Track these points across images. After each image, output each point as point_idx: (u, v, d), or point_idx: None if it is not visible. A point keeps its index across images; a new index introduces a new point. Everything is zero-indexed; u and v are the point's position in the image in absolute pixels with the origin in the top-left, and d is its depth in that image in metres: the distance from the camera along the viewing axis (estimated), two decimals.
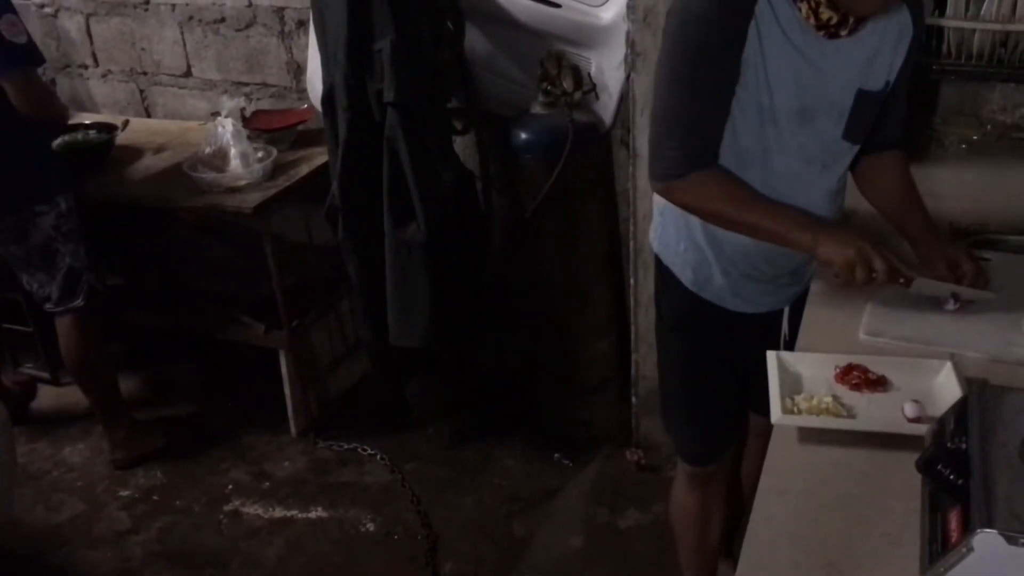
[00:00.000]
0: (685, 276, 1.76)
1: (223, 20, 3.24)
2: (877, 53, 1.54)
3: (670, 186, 1.59)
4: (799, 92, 1.52)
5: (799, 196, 1.60)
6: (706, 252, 1.71)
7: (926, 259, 1.60)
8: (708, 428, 1.97)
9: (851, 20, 1.48)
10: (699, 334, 1.83)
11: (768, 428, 1.40)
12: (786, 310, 1.79)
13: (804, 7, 1.47)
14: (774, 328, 1.79)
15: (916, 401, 1.33)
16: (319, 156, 2.89)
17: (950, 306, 1.56)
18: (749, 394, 1.91)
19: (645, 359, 2.66)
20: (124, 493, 2.90)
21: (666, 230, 1.78)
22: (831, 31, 1.48)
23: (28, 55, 2.49)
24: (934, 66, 2.07)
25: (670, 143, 1.54)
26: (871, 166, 1.70)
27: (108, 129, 3.16)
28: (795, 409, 1.37)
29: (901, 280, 1.49)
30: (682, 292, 1.77)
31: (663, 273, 1.82)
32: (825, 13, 1.46)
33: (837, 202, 1.70)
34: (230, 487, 2.90)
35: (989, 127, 2.24)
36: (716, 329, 1.79)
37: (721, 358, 1.85)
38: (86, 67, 3.62)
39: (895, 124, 1.69)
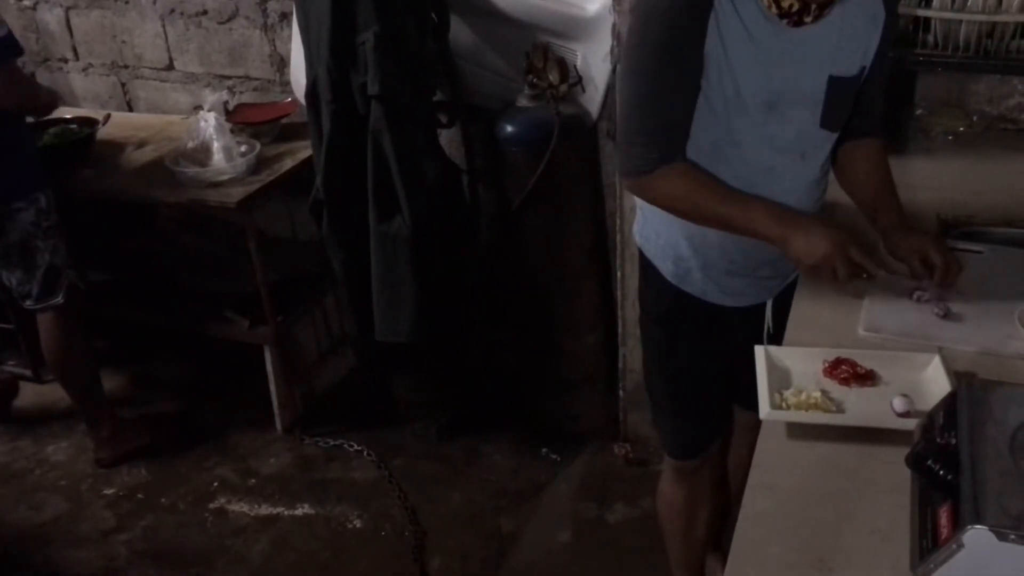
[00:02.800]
0: (666, 269, 1.75)
1: (205, 12, 3.20)
2: (847, 38, 1.52)
3: (639, 182, 1.59)
4: (765, 83, 1.50)
5: (777, 187, 1.59)
6: (684, 246, 1.70)
7: (896, 252, 1.58)
8: (692, 422, 1.96)
9: (813, 7, 1.46)
10: (681, 327, 1.82)
11: (754, 422, 1.40)
12: (769, 303, 1.78)
13: None
14: (757, 322, 1.78)
15: (905, 396, 1.32)
16: (303, 150, 2.86)
17: (933, 305, 1.55)
18: (734, 388, 1.90)
19: (632, 353, 2.66)
20: (108, 491, 2.88)
21: (647, 223, 1.77)
22: (795, 19, 1.47)
23: (9, 47, 2.46)
24: (920, 57, 2.06)
25: (636, 139, 1.54)
26: (847, 154, 1.69)
27: (89, 123, 3.12)
28: (784, 404, 1.36)
29: (864, 276, 1.49)
30: (664, 285, 1.76)
31: (645, 266, 1.82)
32: (786, 1, 1.45)
33: (818, 192, 1.68)
34: (215, 484, 2.88)
35: (975, 118, 2.24)
36: (698, 322, 1.78)
37: (704, 351, 1.84)
38: (66, 61, 3.58)
39: (872, 111, 1.67)
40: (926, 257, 1.54)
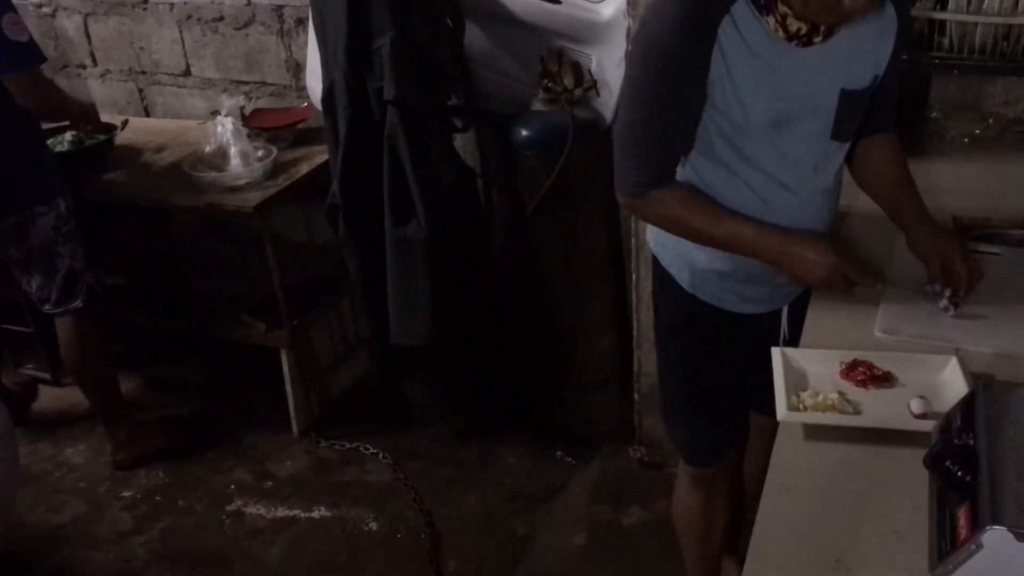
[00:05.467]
0: (682, 278, 1.75)
1: (222, 19, 3.23)
2: (858, 51, 1.52)
3: (632, 203, 1.61)
4: (775, 103, 1.50)
5: (791, 199, 1.59)
6: (700, 256, 1.70)
7: (918, 251, 1.59)
8: (708, 430, 1.95)
9: (823, 27, 1.46)
10: (697, 335, 1.82)
11: (770, 427, 1.40)
12: (785, 309, 1.78)
13: (771, 21, 1.45)
14: (773, 328, 1.77)
15: (922, 397, 1.33)
16: (319, 155, 2.88)
17: (949, 312, 1.55)
18: (749, 393, 1.90)
19: (647, 356, 2.66)
20: (126, 494, 2.90)
21: (662, 232, 1.77)
22: (804, 40, 1.46)
23: (31, 54, 2.48)
24: (936, 60, 2.06)
25: (631, 162, 1.56)
26: (863, 152, 1.69)
27: (107, 129, 3.15)
28: (801, 406, 1.37)
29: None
30: (680, 294, 1.76)
31: (661, 274, 1.81)
32: (793, 25, 1.44)
33: (831, 202, 1.68)
34: (232, 487, 2.90)
35: (991, 121, 2.24)
36: (714, 330, 1.78)
37: (720, 359, 1.83)
38: (84, 67, 3.61)
39: (887, 109, 1.67)
40: (949, 263, 1.54)
